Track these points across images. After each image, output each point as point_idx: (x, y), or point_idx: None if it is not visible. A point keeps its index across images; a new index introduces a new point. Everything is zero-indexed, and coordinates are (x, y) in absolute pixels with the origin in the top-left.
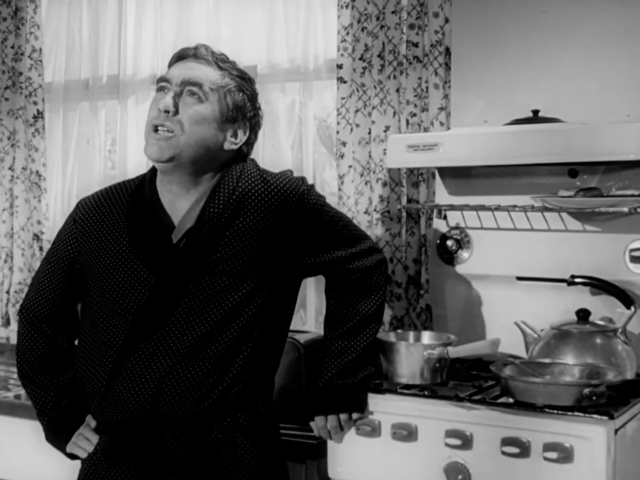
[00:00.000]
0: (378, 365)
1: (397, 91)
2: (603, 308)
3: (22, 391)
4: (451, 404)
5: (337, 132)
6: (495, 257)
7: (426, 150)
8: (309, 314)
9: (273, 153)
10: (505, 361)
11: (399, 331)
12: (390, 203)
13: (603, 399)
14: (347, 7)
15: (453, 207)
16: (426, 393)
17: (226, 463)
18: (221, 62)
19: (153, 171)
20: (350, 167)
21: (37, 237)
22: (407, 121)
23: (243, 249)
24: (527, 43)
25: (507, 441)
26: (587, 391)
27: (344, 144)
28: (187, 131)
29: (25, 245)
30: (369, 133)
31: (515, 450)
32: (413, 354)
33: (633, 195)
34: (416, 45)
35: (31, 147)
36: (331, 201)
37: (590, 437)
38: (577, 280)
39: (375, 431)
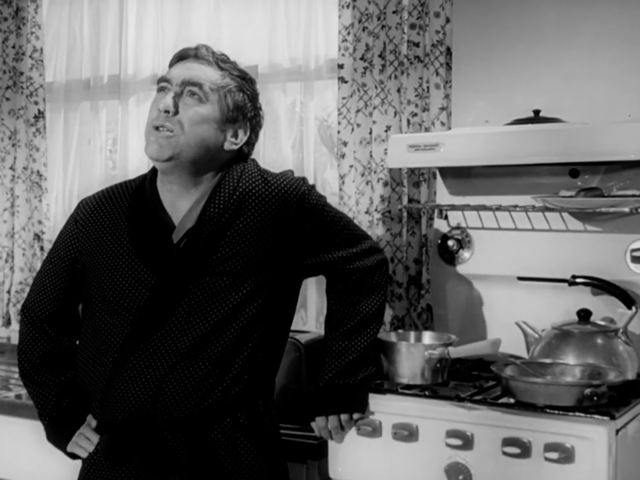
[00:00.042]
0: (379, 365)
1: (398, 90)
2: (604, 308)
3: (23, 391)
4: (451, 404)
5: (338, 132)
6: (496, 257)
7: (427, 150)
8: (310, 314)
9: (274, 152)
10: (506, 361)
11: (400, 331)
12: (391, 203)
13: (604, 400)
14: (348, 6)
15: (453, 207)
16: (427, 393)
17: (226, 463)
18: (222, 62)
19: (154, 171)
20: (351, 166)
21: (37, 237)
22: (408, 121)
23: (244, 249)
24: (528, 42)
25: (507, 441)
26: (588, 391)
27: (345, 144)
28: (187, 131)
29: (26, 245)
30: (370, 132)
31: (516, 450)
32: (413, 354)
33: (634, 195)
34: (417, 44)
35: (32, 146)
36: (332, 200)
37: (591, 438)
38: (578, 280)
39: (375, 431)
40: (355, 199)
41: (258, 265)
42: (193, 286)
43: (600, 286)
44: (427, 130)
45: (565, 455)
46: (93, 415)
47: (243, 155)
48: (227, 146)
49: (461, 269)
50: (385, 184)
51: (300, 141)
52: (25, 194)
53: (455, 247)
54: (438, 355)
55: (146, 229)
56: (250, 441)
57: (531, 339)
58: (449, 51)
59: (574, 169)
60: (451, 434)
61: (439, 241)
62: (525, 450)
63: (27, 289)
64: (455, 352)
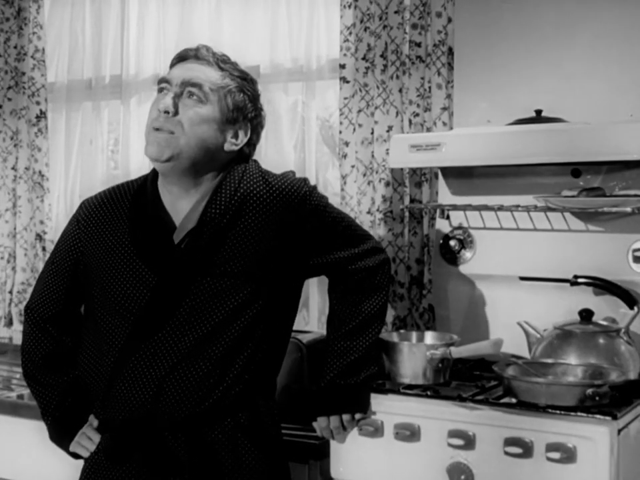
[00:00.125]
0: (381, 365)
1: (400, 90)
2: (606, 308)
3: (25, 391)
4: (453, 404)
5: (340, 132)
6: (497, 257)
7: (429, 150)
8: (312, 314)
9: (276, 153)
10: (508, 361)
11: (402, 331)
12: (392, 203)
13: (605, 399)
14: (349, 6)
15: (455, 207)
16: (429, 393)
17: (226, 463)
18: (222, 63)
19: (155, 172)
20: (352, 166)
21: (39, 237)
22: (410, 121)
23: (245, 250)
24: (530, 42)
25: (509, 441)
26: (589, 391)
27: (346, 144)
28: (187, 131)
29: (28, 245)
30: (372, 132)
31: (518, 450)
32: (415, 354)
33: (636, 195)
34: (419, 44)
35: (33, 146)
36: (334, 201)
37: (593, 437)
38: (579, 280)
39: (377, 431)
40: (357, 199)
41: (259, 266)
42: (194, 286)
43: (602, 286)
44: (428, 130)
45: (567, 455)
46: (94, 415)
47: (244, 155)
48: (227, 147)
49: (463, 268)
50: (387, 184)
51: (302, 141)
52: (26, 194)
53: (456, 247)
54: (440, 354)
55: (147, 229)
56: (251, 441)
57: (533, 339)
58: (450, 51)
59: (576, 169)
60: (453, 434)
61: (441, 241)
62: (526, 450)
63: (29, 289)
64: (457, 352)
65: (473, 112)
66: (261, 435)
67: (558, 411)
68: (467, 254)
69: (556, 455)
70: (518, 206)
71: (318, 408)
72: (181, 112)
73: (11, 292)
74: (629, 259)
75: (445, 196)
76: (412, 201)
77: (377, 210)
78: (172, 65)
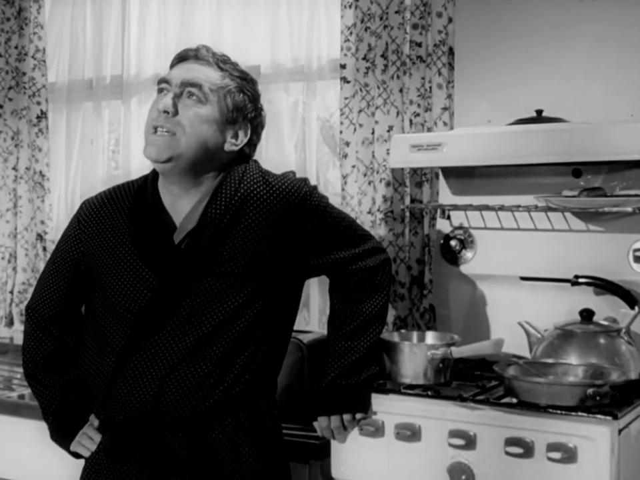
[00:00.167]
0: (381, 365)
1: (401, 90)
2: (606, 308)
3: (25, 391)
4: (454, 404)
5: (340, 132)
6: (498, 257)
7: (429, 150)
8: (313, 314)
9: (276, 152)
10: (509, 361)
11: (403, 331)
12: (393, 203)
13: (606, 399)
14: (350, 6)
15: (456, 207)
16: (429, 393)
17: (227, 463)
18: (222, 63)
19: (155, 172)
20: (353, 166)
21: (40, 237)
22: (411, 121)
23: (245, 250)
24: (530, 42)
25: (510, 441)
26: (590, 391)
27: (347, 144)
28: (187, 132)
29: (29, 245)
30: (372, 132)
31: (519, 450)
32: (416, 354)
33: (636, 195)
34: (419, 44)
35: (34, 147)
36: (334, 201)
37: (594, 437)
38: (580, 280)
39: (378, 431)
40: (358, 199)
41: (259, 266)
42: (194, 287)
43: (602, 286)
44: (429, 130)
45: (568, 455)
46: (95, 414)
47: (245, 155)
48: (227, 147)
49: (464, 268)
50: (388, 184)
51: (302, 141)
52: (27, 194)
53: (457, 247)
54: (440, 354)
55: (147, 229)
56: (251, 441)
57: (534, 339)
58: (451, 51)
59: (577, 169)
60: (454, 434)
61: (442, 241)
62: (527, 450)
63: (30, 289)
64: (458, 352)
65: (473, 112)
66: (261, 434)
67: (559, 411)
68: (467, 254)
69: (557, 455)
70: (519, 206)
71: (319, 408)
72: (180, 112)
73: (11, 292)
74: (629, 259)
75: (446, 196)
76: (413, 201)
77: (378, 210)
78: (172, 65)
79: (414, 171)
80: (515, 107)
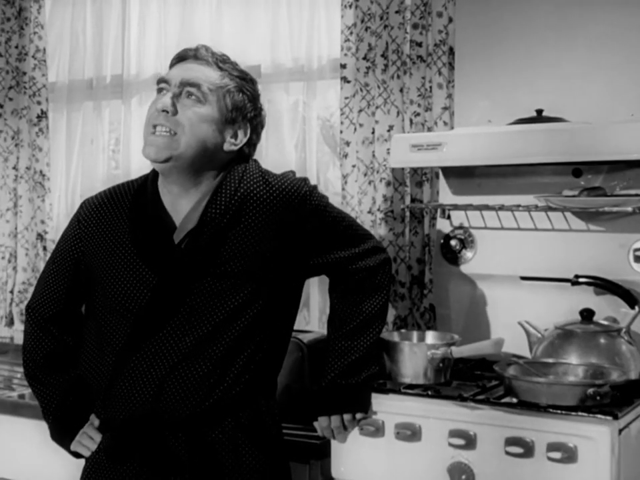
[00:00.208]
0: (381, 364)
1: (401, 90)
2: (606, 308)
3: (26, 391)
4: (454, 404)
5: (341, 131)
6: (498, 257)
7: (429, 149)
8: (313, 313)
9: (277, 152)
10: (509, 360)
11: (403, 330)
12: (393, 203)
13: (606, 399)
14: (350, 6)
15: (456, 207)
16: (429, 392)
17: (227, 462)
18: (221, 62)
19: (155, 171)
20: (353, 166)
21: (40, 237)
22: (411, 121)
23: (245, 250)
24: (530, 42)
25: (510, 441)
26: (590, 390)
27: (347, 143)
28: (186, 132)
29: (29, 245)
30: (373, 132)
31: (519, 450)
32: (416, 354)
33: (637, 195)
34: (419, 44)
35: (34, 146)
36: (335, 200)
37: (594, 437)
38: (580, 280)
39: (378, 430)
40: (358, 198)
41: (260, 266)
42: (194, 286)
43: (603, 285)
44: (429, 130)
45: (568, 455)
46: (95, 414)
47: (244, 155)
48: (226, 147)
49: (464, 268)
50: (388, 184)
51: (302, 140)
52: (27, 194)
53: (457, 247)
54: (441, 354)
55: (147, 229)
56: (251, 441)
57: (534, 339)
58: (451, 51)
59: (577, 169)
60: (454, 433)
61: (442, 241)
62: (527, 450)
63: (30, 289)
64: (458, 351)
65: (473, 112)
66: (261, 434)
67: (559, 411)
68: (467, 254)
69: (557, 455)
70: (519, 206)
71: (319, 408)
72: (179, 112)
73: (12, 292)
74: (629, 259)
75: (446, 196)
76: (413, 200)
77: (378, 210)
78: (171, 65)
79: (414, 170)
80: (515, 107)
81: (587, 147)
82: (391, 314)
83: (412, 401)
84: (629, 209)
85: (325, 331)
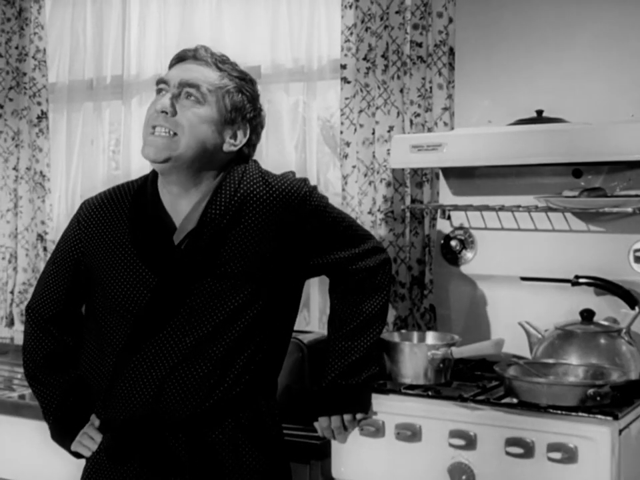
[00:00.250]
0: (382, 365)
1: (401, 91)
2: (607, 308)
3: (26, 391)
4: (454, 404)
5: (341, 132)
6: (498, 257)
7: (430, 150)
8: (313, 314)
9: (277, 153)
10: (509, 361)
11: (403, 331)
12: (394, 203)
13: (607, 400)
14: (350, 7)
15: (456, 207)
16: (430, 393)
17: (227, 463)
18: (221, 63)
19: (155, 172)
20: (354, 167)
21: (40, 237)
22: (411, 121)
23: (245, 251)
24: (530, 42)
25: (511, 441)
26: (591, 391)
27: (348, 144)
28: (186, 132)
29: (29, 245)
30: (373, 133)
31: (519, 450)
32: (416, 354)
33: (637, 195)
34: (420, 45)
35: (34, 147)
36: (335, 201)
37: (594, 438)
38: (581, 280)
39: (378, 431)
40: (358, 199)
41: (260, 267)
42: (194, 287)
43: (603, 286)
44: (429, 130)
45: (568, 455)
46: (96, 414)
47: (244, 155)
48: (225, 147)
49: (464, 269)
50: (388, 184)
51: (303, 141)
52: (28, 194)
53: (457, 247)
54: (441, 355)
55: (147, 230)
56: (252, 442)
57: (534, 339)
58: (451, 51)
59: (577, 169)
60: (454, 434)
61: (442, 241)
62: (528, 450)
63: (30, 290)
64: (458, 352)
65: (474, 112)
66: (262, 435)
67: (559, 411)
68: (468, 254)
69: (557, 455)
70: (519, 206)
71: (319, 408)
72: (179, 113)
73: (12, 292)
74: (630, 259)
75: (446, 196)
76: (413, 201)
77: (378, 210)
78: (170, 66)
79: (414, 171)
80: (516, 107)
81: (587, 147)
82: (391, 314)
83: (412, 401)
84: (629, 209)
85: (325, 332)
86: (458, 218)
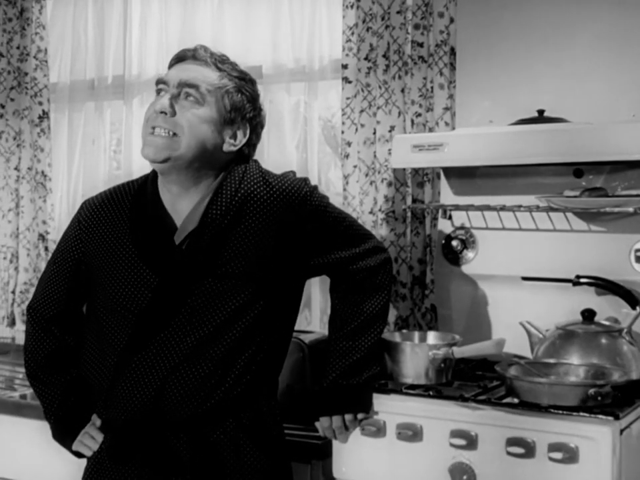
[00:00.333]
0: (383, 365)
1: (402, 91)
2: (608, 308)
3: (27, 391)
4: (456, 404)
5: (342, 132)
6: (500, 257)
7: (431, 150)
8: (314, 314)
9: (278, 152)
10: (510, 361)
11: (404, 331)
12: (395, 203)
13: (608, 400)
14: (352, 6)
15: (458, 207)
16: (431, 393)
17: (228, 463)
18: (220, 63)
19: (155, 172)
20: (355, 167)
21: (42, 237)
22: (412, 121)
23: (246, 251)
24: (531, 42)
25: (511, 441)
26: (592, 391)
27: (349, 144)
28: (185, 132)
29: (31, 245)
30: (374, 133)
31: (520, 450)
32: (418, 354)
33: (638, 195)
34: (421, 44)
35: (36, 147)
36: (336, 201)
37: (595, 438)
38: (582, 280)
39: (380, 431)
40: (359, 199)
41: (261, 267)
42: (196, 287)
43: (604, 286)
44: (430, 130)
45: (569, 455)
46: (97, 414)
47: (244, 155)
48: (225, 147)
49: (465, 269)
50: (389, 184)
51: (304, 141)
52: (29, 194)
53: (459, 247)
54: (442, 354)
55: (148, 230)
56: (253, 441)
57: (535, 339)
58: (452, 51)
59: (578, 169)
60: (455, 434)
61: (443, 241)
62: (529, 450)
63: (32, 290)
64: (459, 352)
65: (475, 112)
66: (263, 435)
67: (560, 411)
68: (469, 254)
69: (558, 455)
70: (520, 206)
71: (320, 408)
72: (178, 113)
73: (13, 292)
74: (631, 259)
75: (447, 196)
76: (414, 201)
77: (379, 210)
78: (170, 66)
79: (415, 171)
80: (517, 107)
81: (588, 147)
82: (392, 314)
83: (413, 401)
84: (631, 209)
85: (326, 332)
86: (459, 218)
